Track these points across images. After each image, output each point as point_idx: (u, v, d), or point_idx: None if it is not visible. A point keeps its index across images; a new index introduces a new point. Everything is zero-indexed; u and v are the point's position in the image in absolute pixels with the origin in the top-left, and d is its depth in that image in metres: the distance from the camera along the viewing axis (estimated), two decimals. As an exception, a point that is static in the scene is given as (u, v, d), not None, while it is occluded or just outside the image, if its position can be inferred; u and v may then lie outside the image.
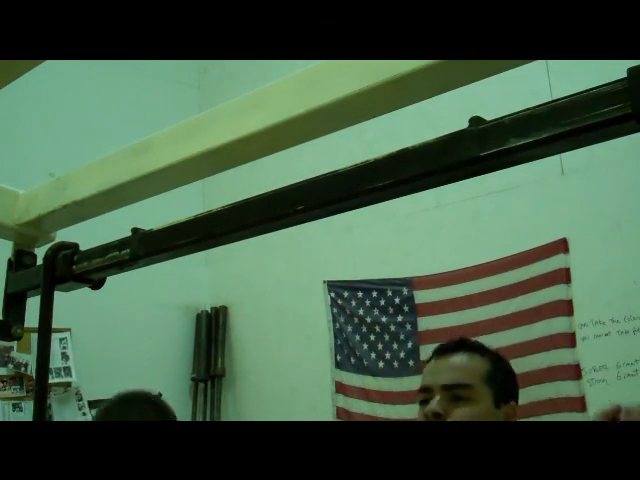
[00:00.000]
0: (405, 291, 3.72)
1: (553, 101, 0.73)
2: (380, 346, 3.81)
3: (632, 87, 0.66)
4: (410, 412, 3.51)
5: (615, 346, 3.06)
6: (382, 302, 3.81)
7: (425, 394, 1.16)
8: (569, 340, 3.15)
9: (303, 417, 3.85)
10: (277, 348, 4.28)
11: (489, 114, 0.79)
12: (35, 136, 3.86)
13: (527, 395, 3.16)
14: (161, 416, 1.41)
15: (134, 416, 1.31)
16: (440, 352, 1.22)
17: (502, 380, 1.18)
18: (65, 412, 3.67)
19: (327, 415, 4.00)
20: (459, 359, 1.18)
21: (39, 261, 1.30)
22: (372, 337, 3.85)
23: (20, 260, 1.31)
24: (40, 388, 1.20)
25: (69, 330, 3.76)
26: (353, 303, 3.93)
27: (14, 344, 3.51)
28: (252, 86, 0.96)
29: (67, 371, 3.73)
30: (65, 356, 3.74)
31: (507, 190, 3.35)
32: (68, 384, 3.75)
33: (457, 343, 1.23)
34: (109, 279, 1.28)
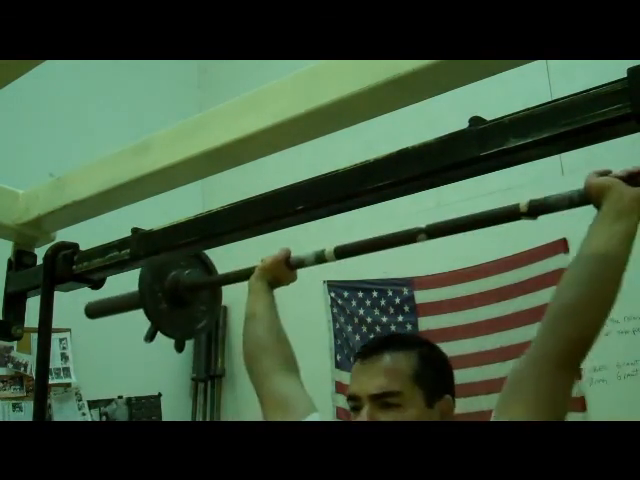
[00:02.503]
0: (405, 291, 3.72)
1: (553, 101, 0.73)
2: (380, 346, 3.81)
3: (632, 87, 0.66)
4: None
5: (615, 346, 3.06)
6: (383, 302, 3.81)
7: (354, 402, 1.13)
8: (569, 340, 3.15)
9: (303, 417, 3.84)
10: (277, 348, 4.27)
11: (489, 114, 0.79)
12: (35, 136, 3.85)
13: (527, 395, 3.16)
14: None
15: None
16: (364, 355, 1.17)
17: (432, 376, 1.13)
18: (65, 412, 3.66)
19: (327, 415, 3.99)
20: (384, 363, 1.13)
21: (39, 261, 1.29)
22: (372, 337, 3.85)
23: (20, 260, 1.31)
24: (40, 388, 1.20)
25: (69, 330, 3.75)
26: (353, 303, 3.92)
27: (14, 344, 3.51)
28: (252, 86, 0.96)
29: (66, 372, 3.72)
30: (65, 357, 3.74)
31: (507, 190, 3.35)
32: (68, 385, 3.75)
33: (380, 343, 1.19)
34: (109, 279, 1.28)
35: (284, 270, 1.40)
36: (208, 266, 1.54)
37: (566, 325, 0.95)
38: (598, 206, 0.98)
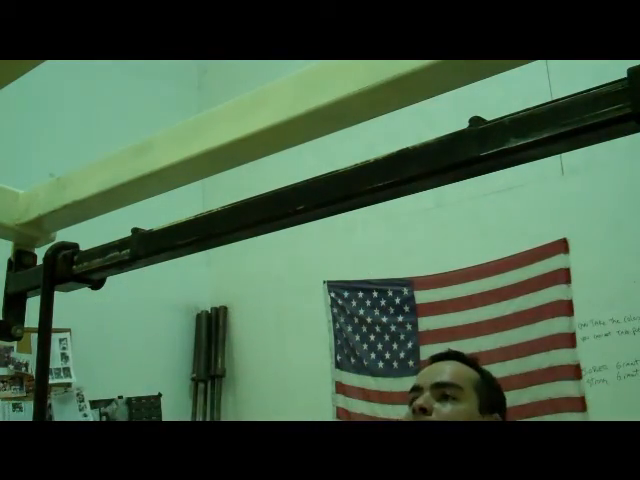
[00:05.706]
0: (406, 291, 3.72)
1: (553, 101, 0.73)
2: (380, 346, 3.81)
3: (632, 87, 0.66)
4: (410, 412, 3.51)
5: (615, 346, 3.06)
6: (383, 302, 3.81)
7: (415, 393, 1.21)
8: (569, 340, 3.15)
9: (303, 417, 3.85)
10: (277, 348, 4.27)
11: (489, 114, 0.79)
12: (35, 136, 3.86)
13: (527, 395, 3.17)
14: None
15: None
16: (435, 359, 1.30)
17: (489, 392, 1.23)
18: (65, 412, 3.66)
19: (327, 415, 4.00)
20: (452, 365, 1.25)
21: (39, 261, 1.29)
22: (372, 337, 3.85)
23: (20, 260, 1.31)
24: (40, 388, 1.20)
25: (69, 330, 3.76)
26: (353, 303, 3.93)
27: (14, 344, 3.51)
28: (252, 86, 0.96)
29: (67, 372, 3.73)
30: (65, 357, 3.74)
31: (507, 190, 3.35)
32: (68, 385, 3.75)
33: (453, 353, 1.31)
34: (109, 279, 1.28)
35: None
36: None
37: None
38: None
